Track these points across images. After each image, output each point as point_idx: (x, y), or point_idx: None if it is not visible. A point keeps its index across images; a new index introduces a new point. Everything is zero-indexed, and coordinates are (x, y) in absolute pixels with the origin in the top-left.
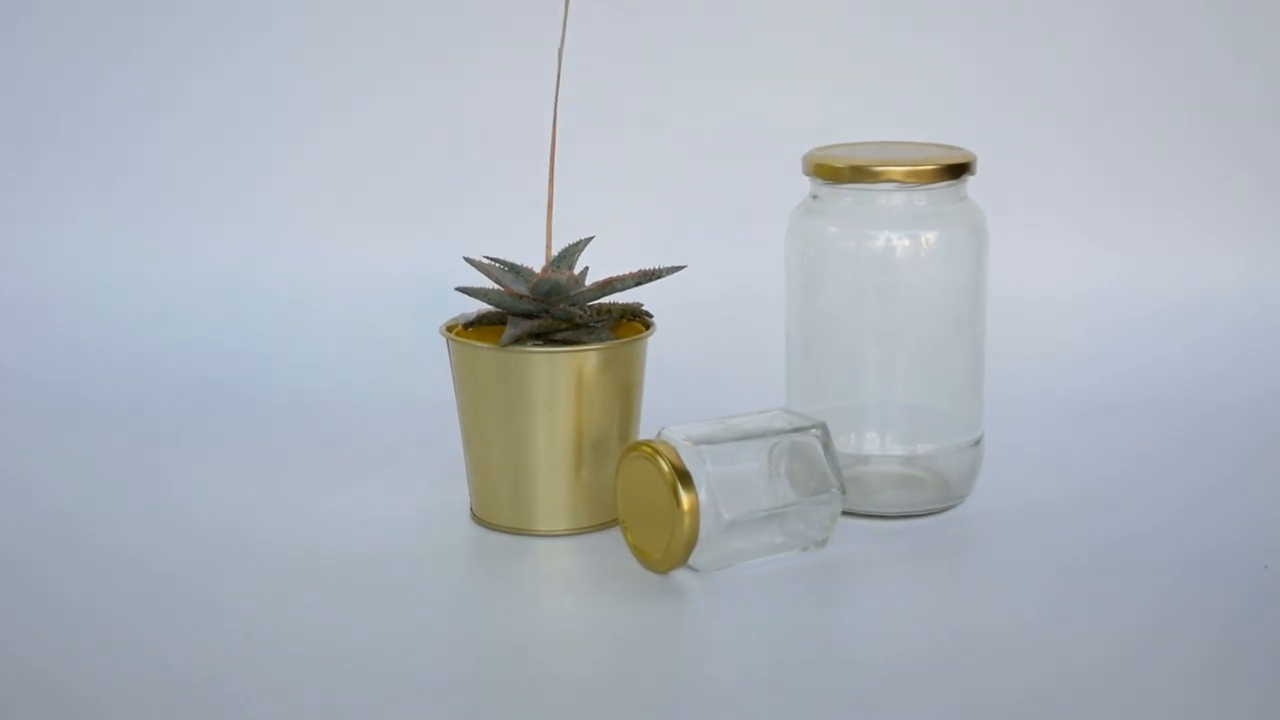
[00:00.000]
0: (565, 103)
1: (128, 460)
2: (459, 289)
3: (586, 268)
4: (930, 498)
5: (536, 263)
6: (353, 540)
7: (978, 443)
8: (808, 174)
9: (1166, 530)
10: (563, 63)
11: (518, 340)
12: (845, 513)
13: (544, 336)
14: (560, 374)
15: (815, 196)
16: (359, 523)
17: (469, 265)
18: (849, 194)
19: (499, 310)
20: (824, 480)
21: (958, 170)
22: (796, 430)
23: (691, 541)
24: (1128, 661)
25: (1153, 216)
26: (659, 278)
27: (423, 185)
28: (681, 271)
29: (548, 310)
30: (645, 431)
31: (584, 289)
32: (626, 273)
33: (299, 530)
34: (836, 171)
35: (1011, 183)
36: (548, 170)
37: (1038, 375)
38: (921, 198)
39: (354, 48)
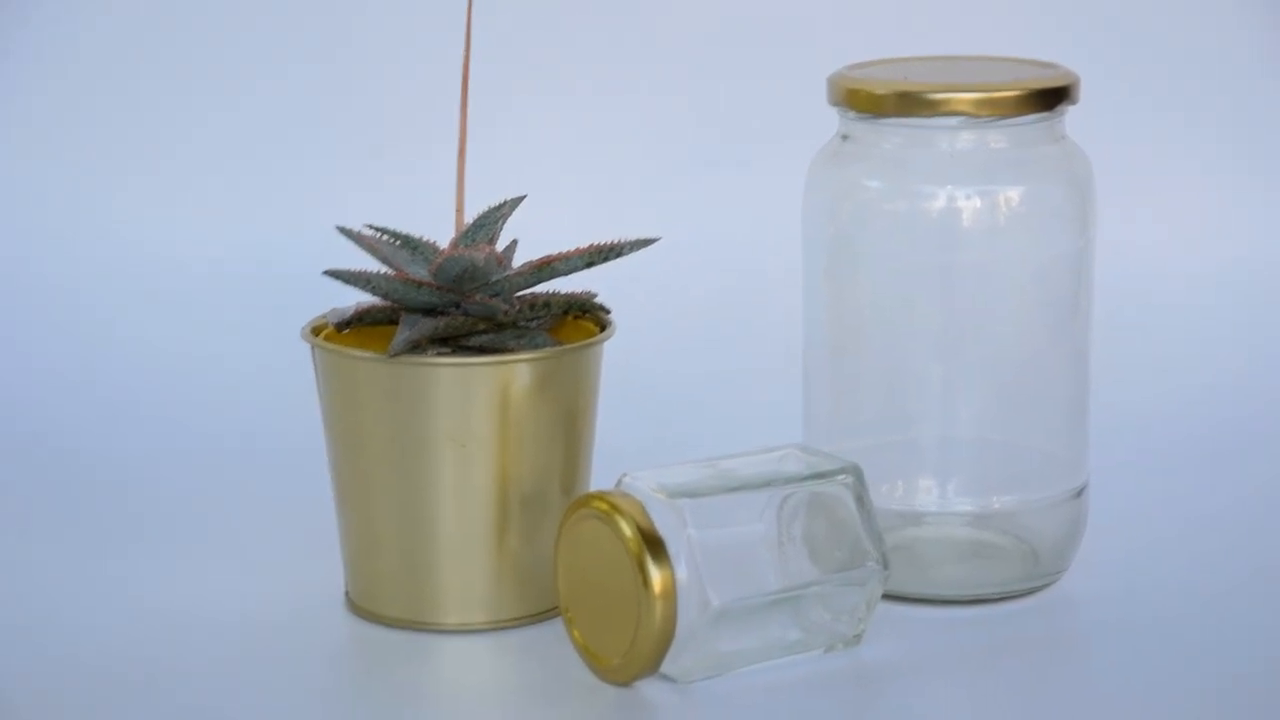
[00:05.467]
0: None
1: None
2: (328, 273)
3: (514, 242)
4: (1012, 574)
5: (442, 235)
6: (172, 645)
7: (1080, 494)
8: (835, 104)
9: None
10: None
11: (415, 347)
12: (889, 595)
13: (453, 341)
14: (476, 396)
15: (846, 137)
16: (180, 616)
17: (344, 238)
18: (895, 133)
19: (387, 304)
20: (857, 549)
21: (1053, 97)
22: (818, 477)
23: (665, 639)
24: None
25: None
26: (619, 256)
27: (280, 126)
28: (651, 247)
29: (458, 303)
30: (600, 480)
31: (511, 272)
32: (572, 249)
33: (96, 627)
34: (877, 100)
35: (1121, 115)
36: (460, 93)
37: (1166, 397)
38: (1000, 137)
39: None
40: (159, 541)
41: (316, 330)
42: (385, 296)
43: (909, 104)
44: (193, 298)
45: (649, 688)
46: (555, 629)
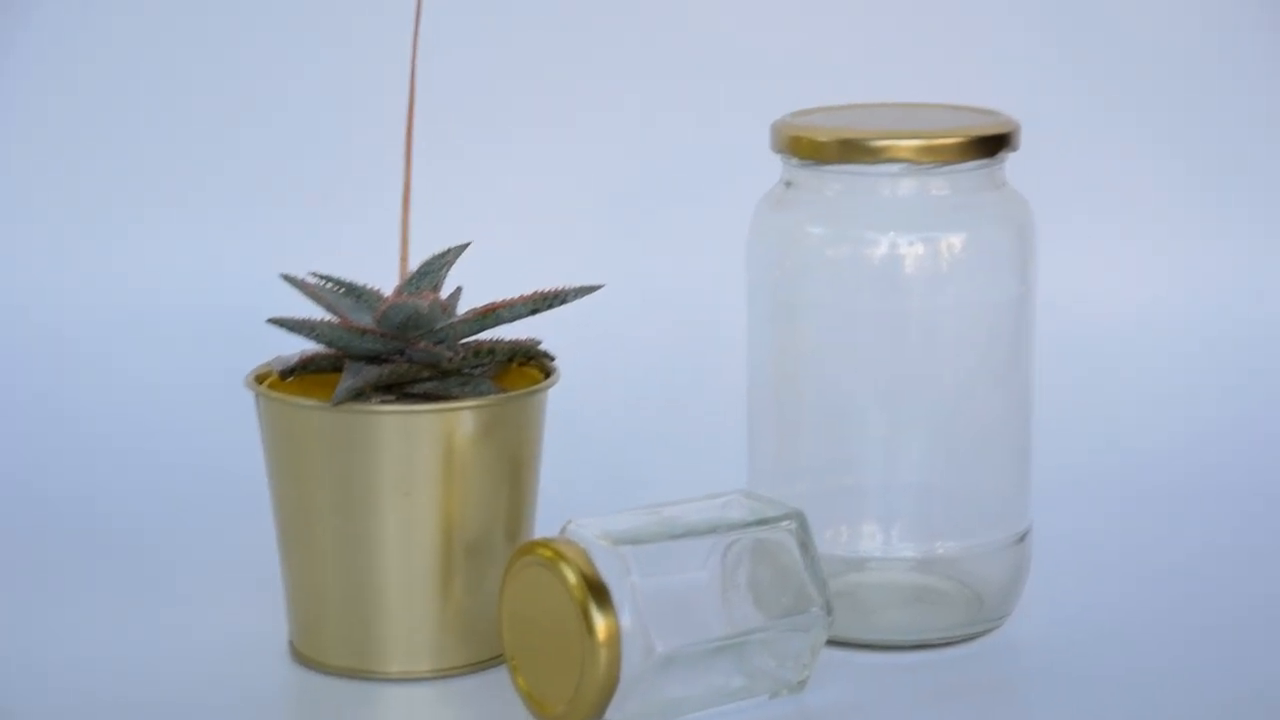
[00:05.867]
0: (429, 45)
1: None
2: (272, 321)
3: (459, 289)
4: (955, 619)
5: (386, 282)
6: (115, 692)
7: (1023, 539)
8: (778, 151)
9: None
10: None
11: (358, 394)
12: (832, 641)
13: (397, 389)
14: (421, 443)
15: (789, 184)
16: (122, 662)
17: (288, 286)
18: (837, 179)
19: (331, 351)
20: (802, 595)
21: (993, 144)
22: (762, 523)
23: (610, 686)
24: None
25: (1264, 207)
26: (563, 303)
27: (221, 173)
28: (595, 294)
29: (402, 350)
30: (544, 527)
31: (455, 320)
32: (516, 296)
33: (35, 673)
34: (819, 147)
35: (1059, 161)
36: (404, 138)
37: (1106, 439)
38: (942, 184)
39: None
40: (102, 587)
41: (260, 378)
42: (329, 344)
43: (851, 151)
44: (137, 344)
45: None
46: (500, 677)
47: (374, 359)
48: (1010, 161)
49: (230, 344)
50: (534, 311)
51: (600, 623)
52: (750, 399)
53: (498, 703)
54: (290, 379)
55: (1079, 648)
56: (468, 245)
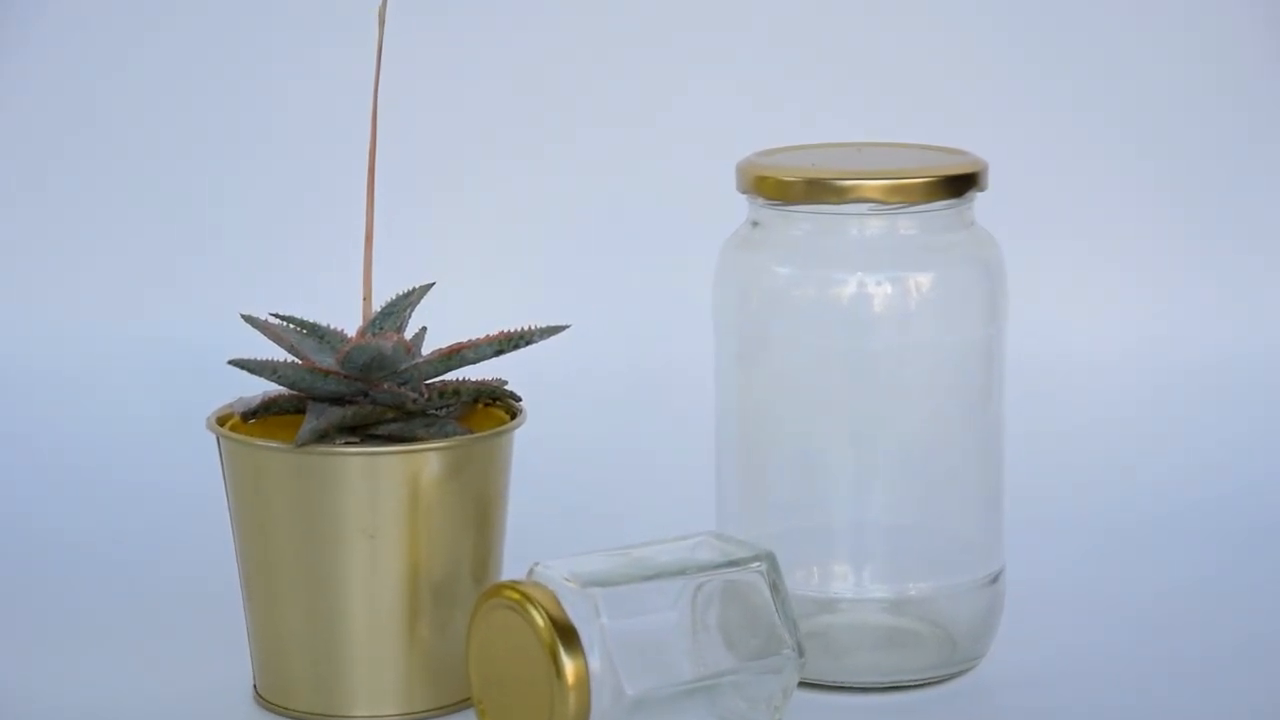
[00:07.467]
0: (391, 84)
1: None
2: (233, 362)
3: (423, 329)
4: (928, 660)
5: (349, 323)
6: None
7: (996, 580)
8: (745, 191)
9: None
10: (385, 25)
11: (322, 436)
12: (805, 683)
13: (361, 430)
14: (385, 485)
15: (756, 224)
16: (85, 712)
17: (249, 327)
18: (805, 219)
19: (294, 393)
20: (772, 637)
21: (961, 184)
22: (732, 565)
23: None
24: None
25: (1230, 249)
26: (529, 343)
27: (183, 212)
28: (561, 334)
29: (366, 392)
30: (512, 569)
31: (420, 360)
32: (482, 337)
33: None
34: (786, 187)
35: (1027, 201)
36: (366, 177)
37: (1079, 479)
38: (910, 224)
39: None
40: (64, 636)
41: (222, 420)
42: (292, 385)
43: (817, 191)
44: (97, 384)
45: None
46: None
47: (337, 400)
48: (979, 201)
49: (191, 385)
50: (499, 352)
51: (569, 666)
52: (718, 439)
53: None
54: (253, 421)
55: (1053, 689)
56: (432, 285)
